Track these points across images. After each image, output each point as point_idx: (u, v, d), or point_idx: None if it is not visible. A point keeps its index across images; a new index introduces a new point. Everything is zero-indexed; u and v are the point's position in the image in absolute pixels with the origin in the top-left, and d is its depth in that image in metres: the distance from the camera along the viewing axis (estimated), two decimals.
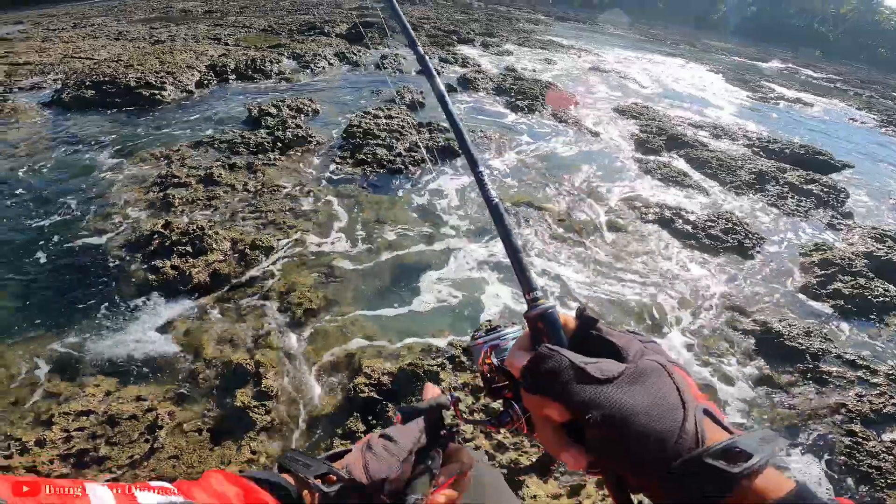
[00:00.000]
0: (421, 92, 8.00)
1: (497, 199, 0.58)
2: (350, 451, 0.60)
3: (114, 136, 5.76)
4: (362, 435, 2.39)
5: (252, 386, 2.63)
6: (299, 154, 5.48)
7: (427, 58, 0.83)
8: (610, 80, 11.53)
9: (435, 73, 0.79)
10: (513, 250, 0.54)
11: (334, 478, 0.55)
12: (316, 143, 5.74)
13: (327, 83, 8.60)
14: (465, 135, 0.69)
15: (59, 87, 7.11)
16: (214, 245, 3.57)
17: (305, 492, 0.54)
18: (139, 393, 2.52)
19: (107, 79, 7.08)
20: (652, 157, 6.69)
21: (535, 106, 8.10)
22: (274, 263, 3.63)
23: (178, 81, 7.45)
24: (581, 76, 11.52)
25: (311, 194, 4.64)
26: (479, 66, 10.72)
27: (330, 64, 9.59)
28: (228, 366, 2.73)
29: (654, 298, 3.85)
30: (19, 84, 7.50)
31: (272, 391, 2.61)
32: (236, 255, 3.61)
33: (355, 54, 10.28)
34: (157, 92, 6.98)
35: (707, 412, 0.43)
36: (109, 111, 6.55)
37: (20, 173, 4.73)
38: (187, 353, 2.82)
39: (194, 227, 3.68)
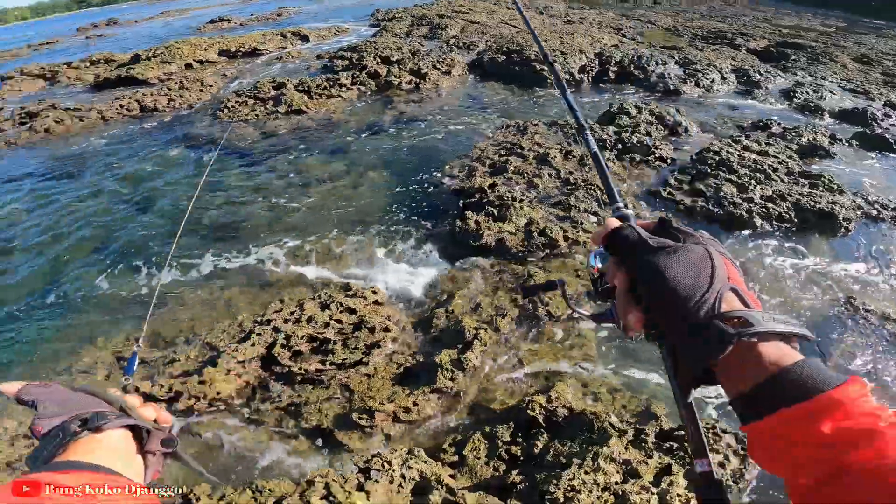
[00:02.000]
0: (833, 135, 6.01)
1: (595, 149, 0.76)
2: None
3: (501, 100, 6.91)
4: (504, 449, 2.25)
5: (458, 352, 2.75)
6: (636, 162, 5.14)
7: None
8: None
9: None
10: (605, 174, 0.73)
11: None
12: (658, 157, 5.23)
13: (705, 98, 7.58)
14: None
15: (483, 48, 8.92)
16: (513, 218, 3.85)
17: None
18: (390, 313, 3.05)
19: (516, 48, 8.37)
20: None
21: None
22: (549, 257, 3.65)
23: (565, 62, 8.08)
24: None
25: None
26: None
27: (723, 78, 8.34)
28: (458, 325, 2.97)
29: None
30: (463, 40, 9.81)
31: (468, 364, 2.68)
32: (524, 233, 3.79)
33: (760, 73, 8.54)
34: (545, 69, 7.81)
35: (734, 290, 0.50)
36: (507, 80, 7.83)
37: (423, 124, 6.35)
38: (441, 297, 3.23)
39: (508, 196, 4.05)
